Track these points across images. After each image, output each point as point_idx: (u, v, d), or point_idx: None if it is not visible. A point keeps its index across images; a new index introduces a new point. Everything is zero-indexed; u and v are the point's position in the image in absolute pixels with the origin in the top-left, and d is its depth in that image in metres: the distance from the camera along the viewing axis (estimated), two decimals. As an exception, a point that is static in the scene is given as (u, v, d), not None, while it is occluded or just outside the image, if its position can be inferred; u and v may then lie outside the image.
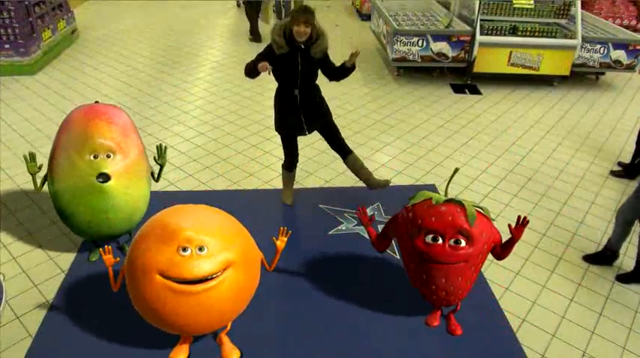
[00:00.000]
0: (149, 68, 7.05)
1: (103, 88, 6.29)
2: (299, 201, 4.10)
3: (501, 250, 2.71)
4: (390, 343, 2.87)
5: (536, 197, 4.34)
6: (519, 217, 2.61)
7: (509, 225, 2.63)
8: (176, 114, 5.65)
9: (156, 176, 3.45)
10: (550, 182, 4.60)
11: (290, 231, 2.73)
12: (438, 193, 4.23)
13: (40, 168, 3.19)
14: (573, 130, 5.66)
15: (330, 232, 3.76)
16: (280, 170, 4.58)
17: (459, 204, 2.57)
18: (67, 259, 3.42)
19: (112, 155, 2.99)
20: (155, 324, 2.46)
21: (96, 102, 3.28)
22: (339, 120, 4.54)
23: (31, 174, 3.15)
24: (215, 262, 2.26)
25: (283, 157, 3.91)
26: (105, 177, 2.96)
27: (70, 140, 2.99)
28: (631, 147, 4.90)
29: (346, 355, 2.79)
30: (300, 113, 3.59)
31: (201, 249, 2.24)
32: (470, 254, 2.53)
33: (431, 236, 2.54)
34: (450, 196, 2.71)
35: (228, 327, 2.76)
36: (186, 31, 8.93)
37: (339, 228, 3.82)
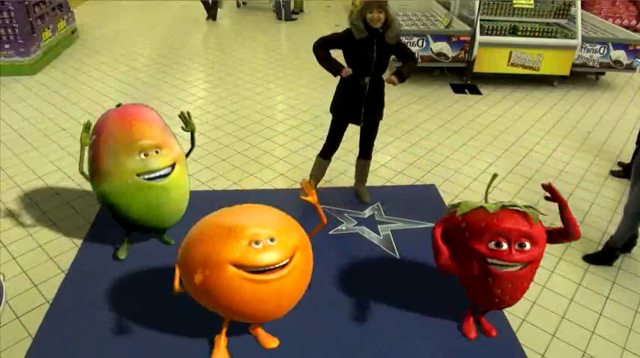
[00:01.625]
0: (149, 68, 7.05)
1: (102, 87, 6.29)
2: (299, 201, 4.10)
3: (564, 229, 2.56)
4: (390, 343, 2.87)
5: (536, 197, 4.34)
6: (545, 186, 2.55)
7: (547, 197, 2.56)
8: (176, 114, 5.64)
9: (189, 148, 3.47)
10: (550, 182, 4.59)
11: (313, 180, 2.74)
12: (438, 193, 4.27)
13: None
14: (573, 130, 5.66)
15: (330, 232, 3.76)
16: (280, 170, 4.59)
17: (514, 208, 2.51)
18: (67, 259, 3.42)
19: (159, 151, 3.06)
20: (226, 315, 2.50)
21: (118, 105, 3.29)
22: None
23: (82, 144, 3.12)
24: (287, 249, 2.37)
25: (322, 145, 3.91)
26: (169, 170, 3.09)
27: (115, 144, 3.01)
28: (631, 147, 4.90)
29: (345, 355, 2.79)
30: (363, 102, 3.58)
31: (272, 239, 2.34)
32: (536, 255, 2.48)
33: (494, 242, 2.46)
34: (456, 198, 2.68)
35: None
36: (186, 31, 8.93)
37: (339, 228, 3.82)
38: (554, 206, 4.22)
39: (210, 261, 2.31)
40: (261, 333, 2.85)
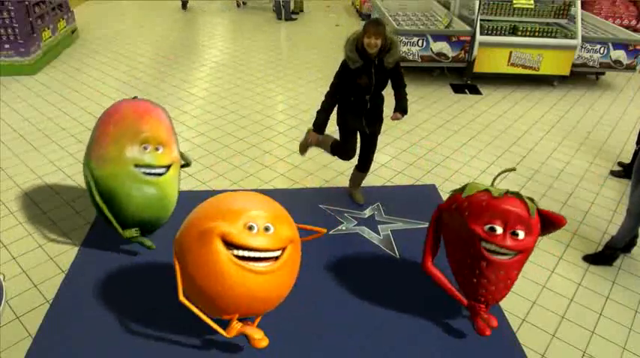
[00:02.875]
0: (149, 68, 7.04)
1: (102, 87, 6.29)
2: (299, 201, 4.10)
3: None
4: (390, 342, 2.87)
5: (536, 197, 4.33)
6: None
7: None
8: (176, 114, 5.64)
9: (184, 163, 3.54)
10: (550, 182, 4.60)
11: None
12: (438, 193, 4.27)
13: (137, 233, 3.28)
14: (573, 130, 5.66)
15: (330, 232, 3.76)
16: (280, 170, 4.59)
17: (517, 196, 2.57)
18: (67, 259, 3.42)
19: (160, 148, 3.12)
20: (212, 306, 2.44)
21: (134, 97, 3.38)
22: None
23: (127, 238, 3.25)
24: (280, 240, 2.36)
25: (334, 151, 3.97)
26: (164, 170, 3.14)
27: (121, 130, 3.07)
28: (631, 147, 4.90)
29: (345, 354, 2.79)
30: (363, 116, 3.66)
31: (267, 228, 2.33)
32: (527, 246, 2.54)
33: (489, 226, 2.52)
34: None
35: (258, 319, 2.78)
36: (186, 31, 8.93)
37: (339, 228, 3.82)
38: (554, 204, 4.23)
39: (202, 235, 2.29)
40: (255, 334, 2.77)
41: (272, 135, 5.24)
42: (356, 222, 3.89)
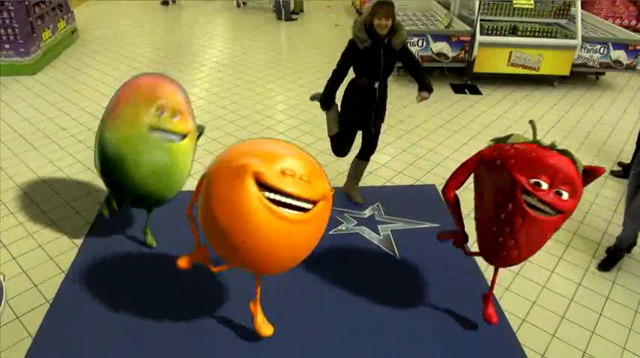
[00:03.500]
0: (149, 68, 7.04)
1: (103, 87, 6.29)
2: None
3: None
4: (390, 342, 2.87)
5: (536, 197, 4.34)
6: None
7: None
8: (176, 114, 5.64)
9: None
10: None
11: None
12: (438, 193, 4.27)
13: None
14: (573, 130, 5.66)
15: (330, 232, 3.76)
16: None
17: (567, 154, 2.42)
18: (67, 259, 3.42)
19: (177, 116, 3.01)
20: (228, 248, 2.29)
21: (154, 72, 3.35)
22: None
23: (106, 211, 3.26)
24: (314, 192, 2.23)
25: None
26: (179, 138, 3.02)
27: (138, 95, 3.00)
28: (631, 147, 4.90)
29: (345, 354, 2.79)
30: (373, 108, 3.63)
31: (302, 179, 2.20)
32: (569, 207, 2.37)
33: (534, 180, 2.32)
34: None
35: (258, 289, 2.71)
36: (186, 31, 8.94)
37: (339, 228, 3.82)
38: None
39: (235, 170, 2.15)
40: (259, 315, 2.75)
41: (272, 135, 5.23)
42: (356, 222, 3.89)
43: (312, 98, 3.87)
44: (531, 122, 2.68)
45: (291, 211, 2.18)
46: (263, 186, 2.14)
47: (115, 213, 3.47)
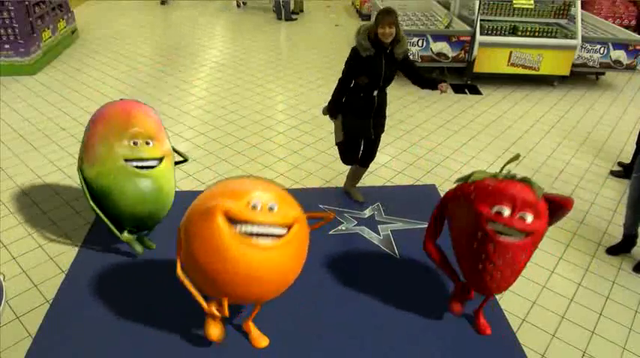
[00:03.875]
0: (149, 68, 7.04)
1: (102, 87, 6.29)
2: (299, 201, 4.09)
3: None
4: (390, 342, 2.87)
5: (536, 197, 4.34)
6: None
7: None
8: (176, 114, 5.65)
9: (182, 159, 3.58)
10: (550, 182, 4.60)
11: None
12: (438, 193, 4.27)
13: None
14: (573, 130, 5.66)
15: (330, 232, 3.76)
16: (280, 170, 4.59)
17: (524, 181, 2.54)
18: (67, 259, 3.42)
19: (150, 142, 3.09)
20: (212, 284, 2.39)
21: (121, 99, 3.36)
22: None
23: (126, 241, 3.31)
24: (286, 218, 2.33)
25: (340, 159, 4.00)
26: (156, 163, 3.11)
27: (109, 128, 3.05)
28: (631, 147, 4.90)
29: (345, 354, 2.79)
30: (372, 115, 3.65)
31: (271, 208, 2.30)
32: (536, 229, 2.48)
33: (496, 208, 2.47)
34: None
35: (256, 311, 2.79)
36: (186, 31, 8.93)
37: (339, 228, 3.82)
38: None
39: (206, 212, 2.27)
40: (253, 331, 2.83)
41: (272, 135, 5.24)
42: (356, 222, 3.88)
43: (323, 112, 3.87)
44: (513, 158, 2.76)
45: (264, 240, 2.28)
46: (234, 221, 2.25)
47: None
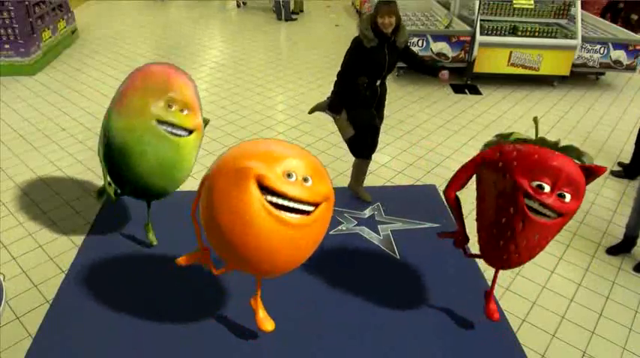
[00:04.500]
0: (149, 68, 7.04)
1: (103, 88, 6.29)
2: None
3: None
4: (390, 343, 2.87)
5: (536, 197, 4.34)
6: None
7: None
8: (176, 114, 5.64)
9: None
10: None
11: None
12: (438, 193, 4.27)
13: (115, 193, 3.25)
14: (573, 130, 5.66)
15: (330, 232, 3.76)
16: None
17: (571, 152, 2.37)
18: (67, 259, 3.42)
19: (185, 110, 2.98)
20: (229, 251, 2.29)
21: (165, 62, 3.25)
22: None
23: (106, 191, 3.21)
24: (316, 195, 2.20)
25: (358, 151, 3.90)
26: (187, 133, 3.00)
27: (148, 85, 2.94)
28: (631, 147, 4.90)
29: (345, 354, 2.79)
30: (374, 105, 3.65)
31: (305, 179, 2.18)
32: (571, 210, 2.33)
33: (537, 182, 2.28)
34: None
35: (259, 291, 2.71)
36: (186, 31, 8.94)
37: (339, 228, 3.82)
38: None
39: (237, 173, 2.13)
40: (260, 311, 2.73)
41: (272, 135, 5.24)
42: (356, 222, 3.88)
43: (312, 111, 3.84)
44: (535, 119, 2.66)
45: (292, 215, 2.17)
46: (265, 189, 2.12)
47: (112, 199, 3.39)
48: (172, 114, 2.93)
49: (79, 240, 3.60)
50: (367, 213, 4.00)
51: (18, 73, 6.48)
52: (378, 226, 3.84)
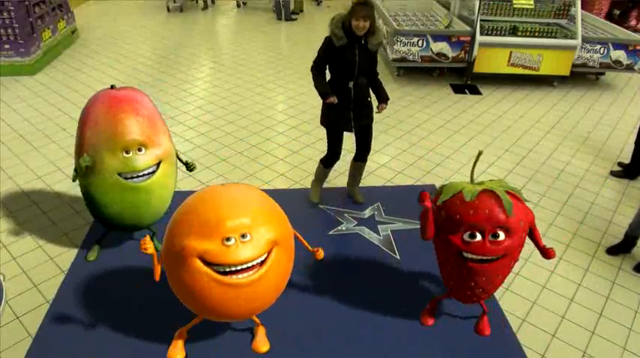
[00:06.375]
0: (149, 68, 7.04)
1: (102, 88, 6.28)
2: (299, 201, 4.10)
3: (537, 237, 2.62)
4: (390, 343, 2.87)
5: (536, 197, 4.34)
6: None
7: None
8: (176, 114, 5.65)
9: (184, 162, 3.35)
10: (550, 182, 4.60)
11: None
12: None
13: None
14: (573, 130, 5.66)
15: (330, 232, 3.76)
16: (280, 170, 4.59)
17: (493, 193, 2.44)
18: (67, 259, 3.42)
19: (143, 149, 2.93)
20: (196, 311, 2.48)
21: (112, 86, 3.11)
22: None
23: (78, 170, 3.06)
24: (259, 246, 2.24)
25: (325, 151, 3.89)
26: (153, 169, 2.99)
27: (98, 136, 2.88)
28: (631, 147, 4.90)
29: (345, 355, 2.79)
30: (350, 108, 3.57)
31: (244, 236, 2.21)
32: (510, 246, 2.46)
33: (468, 233, 2.44)
34: (475, 181, 2.63)
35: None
36: (185, 31, 8.93)
37: (339, 228, 3.82)
38: (548, 212, 4.22)
39: (180, 255, 2.23)
40: (259, 334, 2.82)
41: (272, 135, 5.24)
42: (356, 222, 3.88)
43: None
44: (479, 153, 2.71)
45: (243, 275, 2.25)
46: (209, 263, 2.22)
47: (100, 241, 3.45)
48: (131, 160, 2.89)
49: (79, 240, 3.60)
50: (367, 213, 4.00)
51: (18, 73, 6.48)
52: (378, 226, 3.84)
